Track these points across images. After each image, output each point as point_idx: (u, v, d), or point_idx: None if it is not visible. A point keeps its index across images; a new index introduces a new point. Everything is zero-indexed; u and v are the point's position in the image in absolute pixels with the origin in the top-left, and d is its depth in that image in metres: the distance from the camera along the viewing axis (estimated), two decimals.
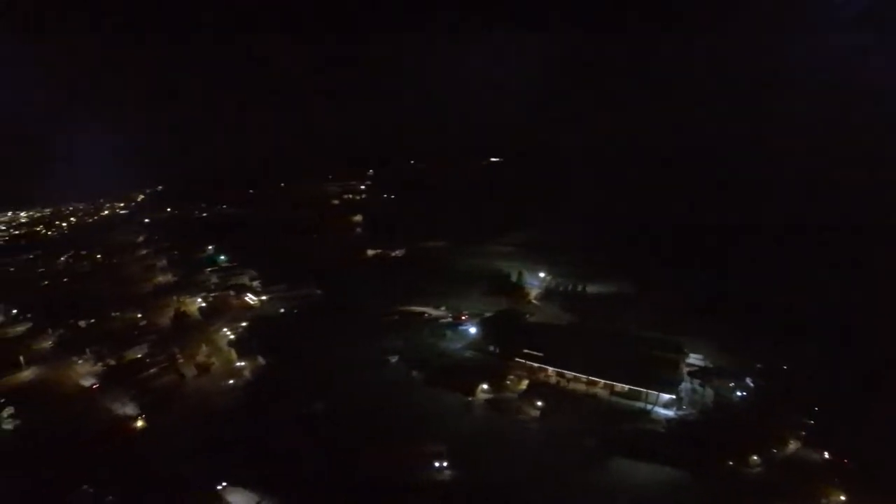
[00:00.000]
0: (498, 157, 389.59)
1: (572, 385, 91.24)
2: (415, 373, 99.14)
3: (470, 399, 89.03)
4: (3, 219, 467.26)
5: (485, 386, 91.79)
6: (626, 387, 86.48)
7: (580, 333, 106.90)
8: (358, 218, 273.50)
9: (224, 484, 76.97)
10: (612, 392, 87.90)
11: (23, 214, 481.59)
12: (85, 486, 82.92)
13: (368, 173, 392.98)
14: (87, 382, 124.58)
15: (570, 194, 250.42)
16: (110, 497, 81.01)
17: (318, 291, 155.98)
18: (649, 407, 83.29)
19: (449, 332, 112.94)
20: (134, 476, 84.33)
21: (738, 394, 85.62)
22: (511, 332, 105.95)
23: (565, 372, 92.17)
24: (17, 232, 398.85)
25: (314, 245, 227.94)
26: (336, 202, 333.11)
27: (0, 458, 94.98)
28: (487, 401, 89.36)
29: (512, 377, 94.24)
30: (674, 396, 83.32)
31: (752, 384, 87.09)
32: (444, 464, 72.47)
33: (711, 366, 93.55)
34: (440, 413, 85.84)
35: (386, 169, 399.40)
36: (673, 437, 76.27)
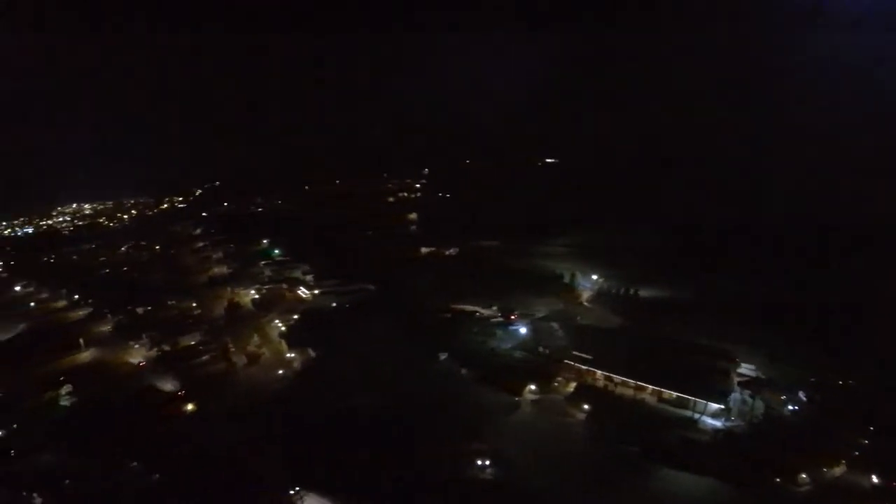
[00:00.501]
0: (553, 157, 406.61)
1: (620, 389, 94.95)
2: (464, 371, 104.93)
3: (517, 399, 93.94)
4: (67, 210, 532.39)
5: (532, 386, 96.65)
6: (674, 394, 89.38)
7: (630, 337, 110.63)
8: (413, 216, 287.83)
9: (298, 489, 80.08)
10: (660, 399, 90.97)
11: (87, 206, 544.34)
12: (134, 464, 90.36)
13: (424, 172, 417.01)
14: (141, 365, 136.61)
15: (626, 196, 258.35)
16: (157, 475, 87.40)
17: (371, 287, 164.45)
18: (697, 416, 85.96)
19: (499, 332, 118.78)
20: (181, 457, 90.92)
21: (790, 408, 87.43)
22: (561, 334, 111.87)
23: (613, 376, 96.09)
24: (80, 223, 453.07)
25: (368, 241, 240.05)
26: (391, 200, 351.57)
27: (55, 432, 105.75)
28: (534, 401, 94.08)
29: (560, 379, 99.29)
30: (722, 407, 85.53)
31: (804, 398, 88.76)
32: (487, 462, 76.68)
33: (763, 377, 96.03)
34: (486, 411, 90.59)
35: (441, 168, 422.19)
36: (719, 449, 78.26)
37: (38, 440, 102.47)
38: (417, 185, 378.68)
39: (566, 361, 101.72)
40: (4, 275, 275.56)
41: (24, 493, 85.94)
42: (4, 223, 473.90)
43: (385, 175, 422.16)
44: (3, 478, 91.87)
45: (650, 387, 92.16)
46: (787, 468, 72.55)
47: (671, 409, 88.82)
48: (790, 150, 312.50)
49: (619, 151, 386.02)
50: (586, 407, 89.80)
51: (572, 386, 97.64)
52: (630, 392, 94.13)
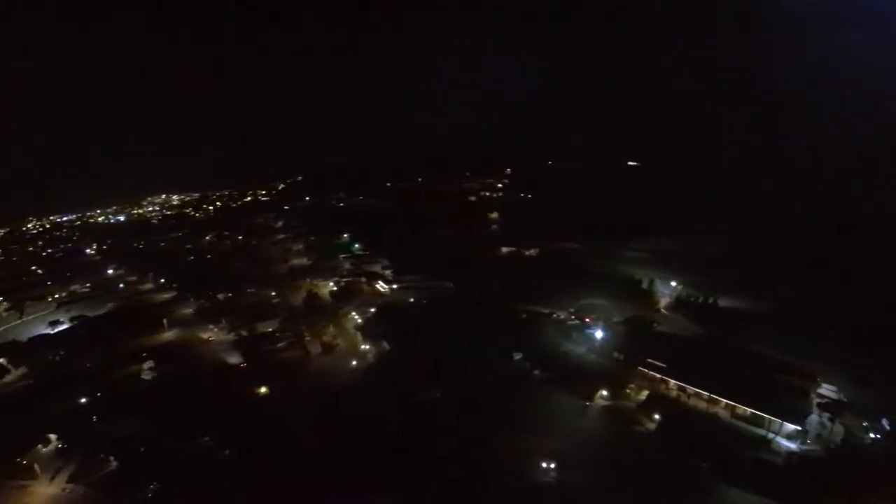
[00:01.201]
0: (636, 160, 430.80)
1: (693, 401, 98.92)
2: (536, 371, 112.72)
3: (588, 403, 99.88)
4: (157, 200, 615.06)
5: (604, 392, 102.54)
6: (749, 410, 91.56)
7: (707, 348, 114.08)
8: (494, 215, 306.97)
9: None
10: (734, 414, 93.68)
11: (174, 198, 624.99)
12: (206, 438, 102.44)
13: (506, 172, 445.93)
14: (221, 348, 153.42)
15: (710, 202, 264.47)
16: (227, 451, 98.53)
17: (449, 285, 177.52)
18: (771, 436, 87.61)
19: (574, 334, 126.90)
20: (251, 435, 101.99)
21: (871, 435, 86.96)
22: (637, 340, 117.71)
23: (687, 387, 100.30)
24: (168, 212, 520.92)
25: (449, 239, 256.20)
26: (473, 199, 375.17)
27: (135, 403, 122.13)
28: (605, 407, 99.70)
29: (632, 386, 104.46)
30: (799, 428, 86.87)
31: (888, 427, 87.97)
32: (552, 465, 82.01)
33: (845, 399, 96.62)
34: (556, 414, 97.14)
35: (524, 168, 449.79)
36: (791, 473, 79.50)
37: (119, 409, 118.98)
38: (499, 185, 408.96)
39: (640, 368, 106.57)
40: (98, 258, 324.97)
41: (101, 456, 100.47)
42: (99, 211, 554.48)
43: (467, 174, 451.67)
44: (82, 440, 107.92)
45: (724, 401, 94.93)
46: (863, 500, 72.86)
47: (744, 426, 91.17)
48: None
49: (704, 155, 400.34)
50: (657, 417, 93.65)
51: (644, 394, 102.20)
52: (703, 405, 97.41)
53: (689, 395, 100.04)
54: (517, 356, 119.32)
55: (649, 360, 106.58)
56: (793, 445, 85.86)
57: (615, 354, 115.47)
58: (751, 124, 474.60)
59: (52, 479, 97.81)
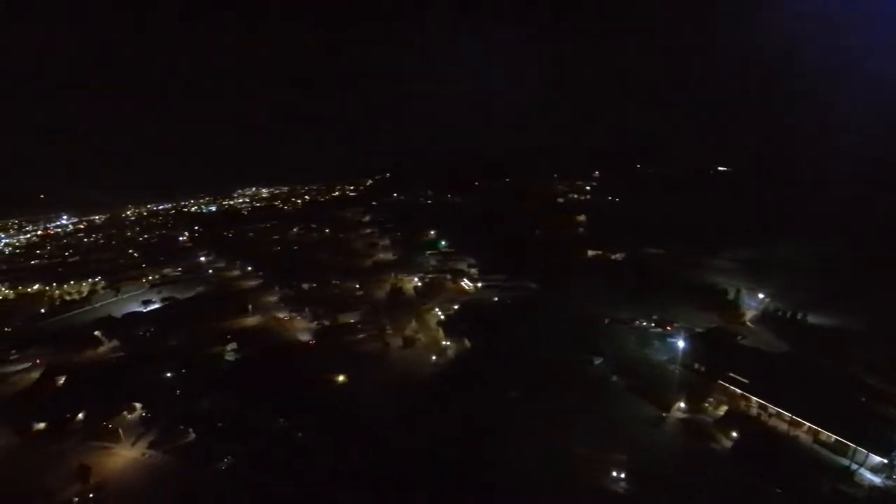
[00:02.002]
0: (727, 166, 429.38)
1: (773, 421, 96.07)
2: (615, 378, 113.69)
3: (664, 415, 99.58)
4: (248, 192, 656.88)
5: (682, 404, 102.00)
6: (833, 437, 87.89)
7: (793, 366, 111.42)
8: (581, 217, 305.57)
9: None
10: (816, 440, 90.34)
11: (264, 190, 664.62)
12: (282, 420, 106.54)
13: (594, 174, 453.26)
14: (302, 336, 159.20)
15: (806, 210, 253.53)
16: (300, 434, 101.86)
17: (534, 286, 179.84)
18: (854, 466, 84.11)
19: (656, 342, 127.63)
20: (326, 421, 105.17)
21: None
22: (720, 352, 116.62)
23: (769, 406, 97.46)
24: (258, 204, 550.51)
25: (535, 240, 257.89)
26: (561, 200, 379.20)
27: (217, 381, 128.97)
28: (681, 420, 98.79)
29: (711, 400, 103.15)
30: (886, 461, 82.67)
31: None
32: (622, 475, 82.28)
33: None
34: (631, 422, 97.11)
35: (612, 171, 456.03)
36: None
37: (201, 386, 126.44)
38: (587, 188, 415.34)
39: (721, 382, 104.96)
40: (189, 245, 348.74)
41: (181, 427, 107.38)
42: (192, 201, 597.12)
43: (555, 175, 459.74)
44: (165, 411, 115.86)
45: (807, 424, 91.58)
46: None
47: (827, 453, 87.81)
48: None
49: (802, 161, 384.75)
50: (734, 434, 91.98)
51: (723, 409, 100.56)
52: (784, 426, 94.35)
53: (770, 415, 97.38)
54: (597, 361, 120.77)
55: (731, 375, 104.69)
56: (877, 479, 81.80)
57: (696, 366, 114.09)
58: (855, 127, 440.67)
59: (134, 443, 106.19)
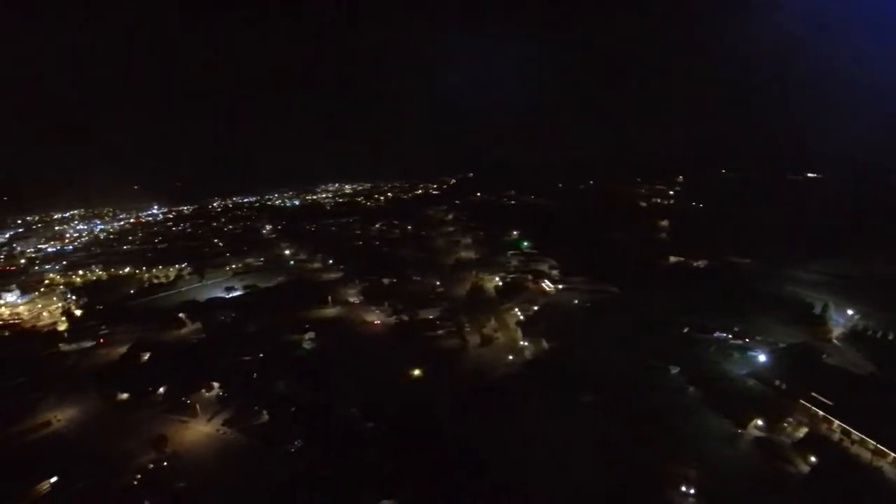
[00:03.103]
0: (817, 172, 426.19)
1: (856, 449, 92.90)
2: (691, 388, 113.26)
3: (739, 431, 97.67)
4: (331, 188, 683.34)
5: (759, 422, 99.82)
6: None
7: (881, 390, 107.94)
8: (664, 222, 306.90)
9: None
10: None
11: (347, 186, 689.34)
12: (353, 409, 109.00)
13: (678, 179, 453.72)
14: (380, 329, 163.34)
15: None
16: (371, 424, 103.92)
17: (614, 290, 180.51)
18: None
19: (736, 355, 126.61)
20: (397, 413, 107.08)
21: None
22: (803, 370, 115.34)
23: (852, 431, 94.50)
24: (341, 200, 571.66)
25: (617, 244, 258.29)
26: (644, 205, 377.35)
27: (293, 368, 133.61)
28: (757, 438, 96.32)
29: (791, 420, 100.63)
30: None
31: None
32: (692, 490, 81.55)
33: None
34: (705, 436, 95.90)
35: (697, 175, 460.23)
36: None
37: (277, 371, 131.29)
38: (671, 192, 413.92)
39: (802, 402, 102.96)
40: (272, 237, 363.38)
41: (256, 408, 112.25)
42: (276, 195, 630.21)
43: (639, 179, 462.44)
44: (241, 392, 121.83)
45: (893, 454, 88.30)
46: None
47: None
48: None
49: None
50: (812, 459, 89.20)
51: (802, 431, 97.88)
52: (867, 454, 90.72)
53: (854, 442, 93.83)
54: (674, 370, 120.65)
55: (814, 395, 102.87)
56: None
57: (777, 382, 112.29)
58: None
59: (210, 419, 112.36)
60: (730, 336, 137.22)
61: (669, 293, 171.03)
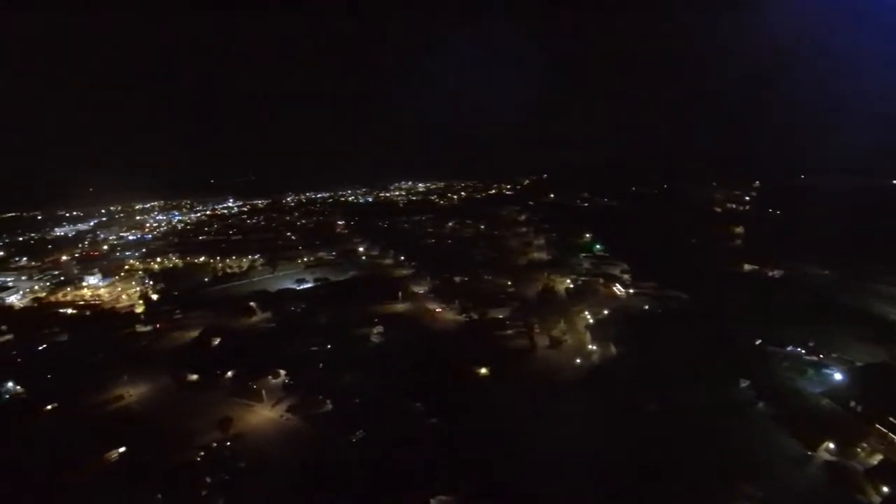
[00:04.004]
0: None
1: None
2: (761, 404, 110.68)
3: (809, 453, 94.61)
4: (404, 186, 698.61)
5: (830, 445, 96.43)
6: None
7: None
8: (739, 229, 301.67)
9: None
10: None
11: (420, 185, 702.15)
12: (418, 404, 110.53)
13: (754, 184, 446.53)
14: (449, 326, 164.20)
15: None
16: (434, 420, 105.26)
17: (685, 297, 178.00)
18: None
19: (810, 371, 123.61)
20: (461, 410, 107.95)
21: None
22: (882, 392, 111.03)
23: None
24: (414, 198, 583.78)
25: (690, 250, 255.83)
26: (718, 210, 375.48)
27: (360, 361, 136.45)
28: (827, 462, 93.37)
29: (864, 445, 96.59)
30: None
31: None
32: None
33: None
34: (772, 455, 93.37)
35: (774, 181, 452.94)
36: None
37: (344, 362, 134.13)
38: (746, 198, 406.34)
39: (878, 427, 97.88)
40: (345, 232, 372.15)
41: (320, 397, 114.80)
42: (349, 191, 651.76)
43: (714, 184, 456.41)
44: (307, 380, 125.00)
45: None
46: None
47: None
48: None
49: None
50: (885, 490, 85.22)
51: (877, 458, 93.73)
52: None
53: None
54: (743, 384, 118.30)
55: (892, 420, 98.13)
56: None
57: (852, 404, 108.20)
58: None
59: (274, 405, 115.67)
60: (804, 351, 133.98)
61: (742, 303, 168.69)
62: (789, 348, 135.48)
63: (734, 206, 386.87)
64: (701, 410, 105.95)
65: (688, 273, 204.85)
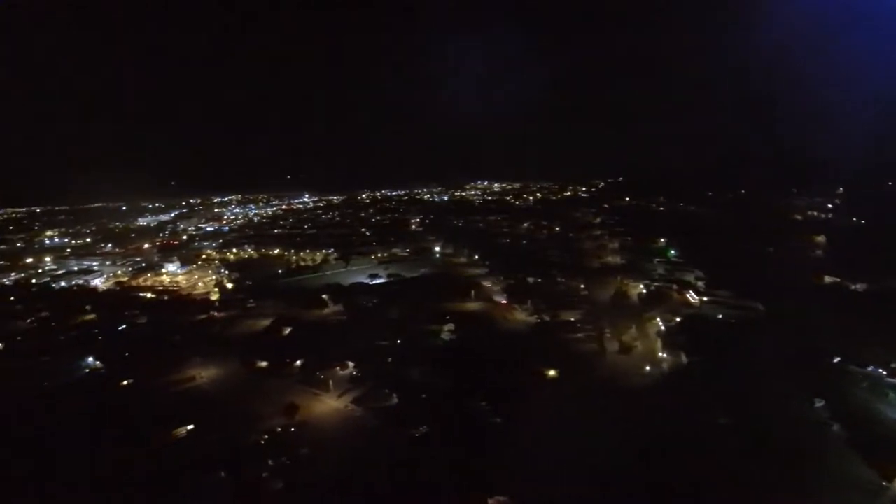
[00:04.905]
0: None
1: None
2: (836, 427, 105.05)
3: (884, 484, 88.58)
4: (480, 186, 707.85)
5: None
6: None
7: None
8: (820, 238, 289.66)
9: None
10: None
11: (496, 185, 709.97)
12: (483, 403, 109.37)
13: (838, 191, 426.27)
14: (520, 327, 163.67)
15: None
16: (498, 419, 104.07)
17: (761, 307, 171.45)
18: None
19: (892, 395, 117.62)
20: (527, 411, 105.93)
21: None
22: None
23: None
24: (489, 198, 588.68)
25: (768, 259, 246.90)
26: (798, 217, 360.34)
27: (429, 356, 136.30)
28: None
29: None
30: None
31: None
32: None
33: None
34: (843, 483, 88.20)
35: (859, 188, 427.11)
36: None
37: (413, 358, 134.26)
38: (829, 206, 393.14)
39: None
40: (419, 229, 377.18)
41: (386, 391, 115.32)
42: (425, 189, 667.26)
43: (794, 190, 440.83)
44: (374, 374, 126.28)
45: None
46: None
47: None
48: None
49: None
50: None
51: None
52: None
53: None
54: (818, 403, 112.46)
55: None
56: None
57: None
58: None
59: (340, 396, 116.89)
60: (885, 373, 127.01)
61: (821, 317, 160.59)
62: (870, 368, 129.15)
63: (816, 213, 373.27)
64: (771, 428, 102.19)
65: (764, 283, 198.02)
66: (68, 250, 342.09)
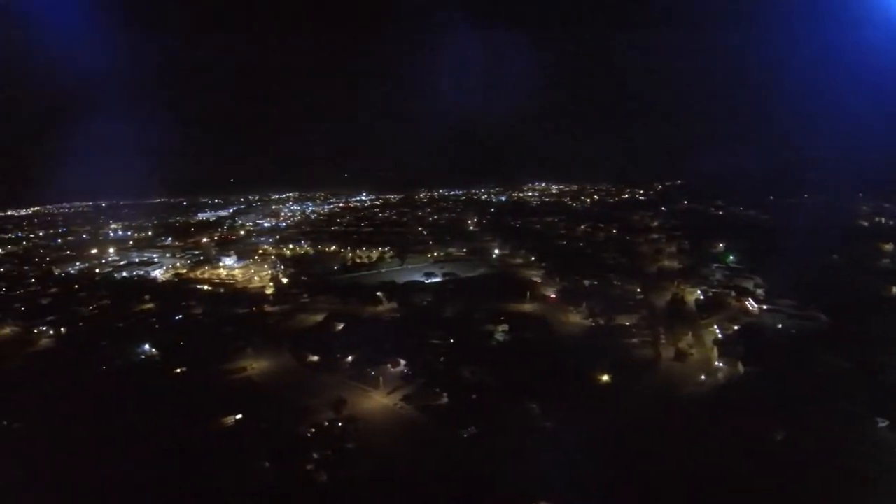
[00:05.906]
0: None
1: None
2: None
3: None
4: (537, 187, 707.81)
5: None
6: None
7: None
8: (888, 246, 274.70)
9: None
10: None
11: (554, 187, 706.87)
12: (534, 406, 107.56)
13: None
14: (576, 330, 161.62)
15: None
16: (548, 423, 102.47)
17: (824, 318, 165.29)
18: None
19: None
20: (577, 416, 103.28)
21: None
22: None
23: None
24: (547, 199, 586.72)
25: (831, 267, 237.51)
26: (865, 223, 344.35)
27: (483, 357, 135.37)
28: None
29: None
30: None
31: None
32: None
33: None
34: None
35: None
36: None
37: (465, 357, 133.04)
38: None
39: None
40: (476, 230, 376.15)
41: (437, 390, 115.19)
42: (482, 189, 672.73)
43: (860, 194, 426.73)
44: (426, 372, 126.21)
45: None
46: None
47: None
48: None
49: None
50: None
51: None
52: None
53: None
54: (882, 423, 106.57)
55: None
56: None
57: None
58: None
59: (390, 393, 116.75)
60: None
61: (887, 331, 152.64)
62: None
63: (883, 219, 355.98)
64: (830, 447, 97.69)
65: (828, 292, 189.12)
66: (130, 242, 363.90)
